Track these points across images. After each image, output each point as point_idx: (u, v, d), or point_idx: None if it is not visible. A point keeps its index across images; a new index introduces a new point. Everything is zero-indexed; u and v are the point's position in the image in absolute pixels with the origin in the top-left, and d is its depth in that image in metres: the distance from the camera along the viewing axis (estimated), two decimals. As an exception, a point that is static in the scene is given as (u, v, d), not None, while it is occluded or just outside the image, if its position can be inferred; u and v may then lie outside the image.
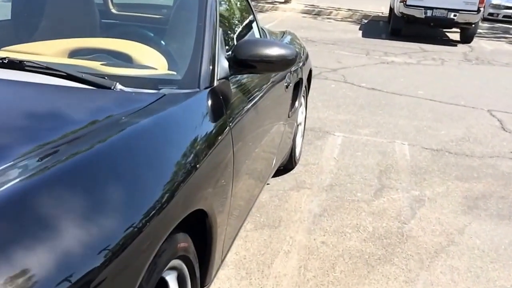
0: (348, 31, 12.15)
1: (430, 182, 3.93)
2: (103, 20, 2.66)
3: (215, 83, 1.99)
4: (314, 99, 6.04)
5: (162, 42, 2.28)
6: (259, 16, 13.95)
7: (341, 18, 14.95)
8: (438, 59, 9.41)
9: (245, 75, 2.32)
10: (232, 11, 2.79)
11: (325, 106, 5.83)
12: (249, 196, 2.41)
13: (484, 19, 15.22)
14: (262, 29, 3.50)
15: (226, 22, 2.55)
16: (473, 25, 11.32)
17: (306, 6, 16.41)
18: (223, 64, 2.11)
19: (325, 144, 4.62)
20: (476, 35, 11.96)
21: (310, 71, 4.14)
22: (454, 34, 12.64)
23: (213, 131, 1.79)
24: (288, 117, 3.28)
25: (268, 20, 13.11)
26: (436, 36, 12.50)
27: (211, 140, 1.75)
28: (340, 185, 3.79)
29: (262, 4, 16.16)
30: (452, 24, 11.51)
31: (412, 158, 4.42)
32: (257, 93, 2.49)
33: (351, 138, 4.83)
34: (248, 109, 2.27)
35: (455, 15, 11.07)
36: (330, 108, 5.74)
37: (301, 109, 3.99)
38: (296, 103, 3.50)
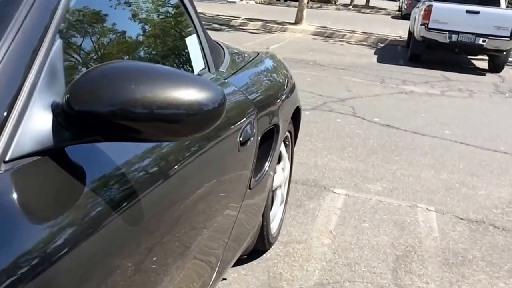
0: (361, 55, 10.89)
1: (472, 282, 2.60)
2: None
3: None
4: (313, 138, 4.75)
5: None
6: (266, 36, 12.82)
7: (355, 42, 13.72)
8: (465, 90, 8.10)
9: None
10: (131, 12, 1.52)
11: (326, 147, 4.53)
12: None
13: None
14: (220, 46, 2.27)
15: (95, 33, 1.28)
16: (505, 53, 10.00)
17: (317, 28, 15.22)
18: (36, 125, 0.89)
19: (319, 208, 3.31)
20: (507, 63, 10.64)
21: (298, 110, 2.87)
22: (480, 62, 11.32)
23: None
24: (249, 188, 2.01)
25: (275, 41, 11.93)
26: (460, 63, 11.19)
27: None
28: (335, 284, 2.47)
29: (271, 25, 15.01)
30: (480, 50, 10.20)
31: (442, 234, 3.09)
32: (165, 162, 1.26)
33: (357, 198, 3.52)
34: (140, 196, 1.05)
35: (484, 41, 9.77)
36: (332, 151, 4.44)
37: (282, 166, 2.71)
38: (266, 164, 2.21)
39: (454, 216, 3.37)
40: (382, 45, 13.21)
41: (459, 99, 7.40)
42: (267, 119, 2.16)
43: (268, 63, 2.74)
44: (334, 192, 3.58)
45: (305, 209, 3.28)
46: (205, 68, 1.88)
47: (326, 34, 14.44)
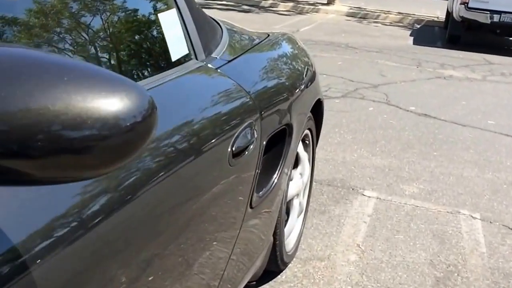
0: (397, 37, 10.30)
1: (529, 314, 2.17)
2: None
3: None
4: (342, 129, 4.32)
5: None
6: (296, 18, 12.32)
7: (390, 23, 13.09)
8: (509, 74, 7.49)
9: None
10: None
11: (357, 141, 4.10)
12: None
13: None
14: (218, 25, 1.88)
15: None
16: (551, 34, 9.31)
17: (351, 9, 14.60)
18: None
19: (346, 215, 2.90)
20: (554, 45, 9.92)
21: (320, 103, 2.45)
22: (524, 44, 10.62)
23: None
24: (251, 207, 1.61)
25: (306, 23, 11.42)
26: (502, 45, 10.50)
27: None
28: (362, 315, 2.08)
29: (303, 6, 14.46)
30: (524, 31, 9.52)
31: (490, 250, 2.65)
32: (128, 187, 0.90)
33: (389, 202, 3.09)
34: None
35: (529, 21, 9.09)
36: (362, 145, 4.01)
37: (299, 171, 2.31)
38: (275, 174, 1.81)
39: (503, 225, 2.92)
40: (418, 26, 12.55)
41: (503, 84, 6.83)
42: (276, 118, 1.76)
43: (284, 47, 2.32)
44: (364, 195, 3.16)
45: (330, 216, 2.88)
46: (189, 53, 1.48)
47: (359, 15, 13.83)
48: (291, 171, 2.07)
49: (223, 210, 1.41)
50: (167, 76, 1.30)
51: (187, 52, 1.48)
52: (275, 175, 1.79)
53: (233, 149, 1.38)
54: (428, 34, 11.23)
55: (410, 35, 10.85)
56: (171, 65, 1.38)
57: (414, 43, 9.68)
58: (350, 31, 10.52)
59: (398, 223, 2.85)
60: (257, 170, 1.61)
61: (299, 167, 2.29)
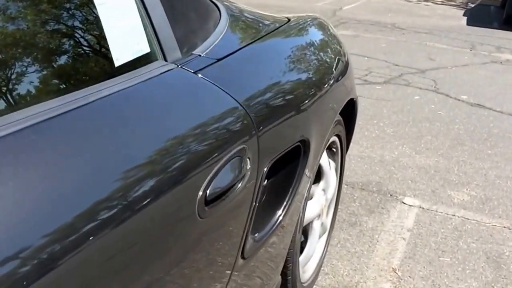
0: (448, 17, 9.58)
1: None
2: None
3: None
4: (382, 121, 3.82)
5: None
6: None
7: (442, 1, 12.29)
8: None
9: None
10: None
11: (398, 135, 3.60)
12: None
13: None
14: (215, 7, 1.45)
15: None
16: None
17: (399, -14, 13.82)
18: None
19: (381, 229, 2.44)
20: None
21: (353, 103, 1.99)
22: None
23: None
24: (243, 258, 1.18)
25: (350, 0, 10.79)
26: None
27: None
28: None
29: (348, -17, 13.77)
30: None
31: (558, 281, 2.15)
32: None
33: (434, 213, 2.61)
34: None
35: None
36: (405, 141, 3.51)
37: (322, 186, 1.87)
38: (282, 208, 1.36)
39: None
40: (472, 5, 11.72)
41: None
42: (285, 135, 1.31)
43: (310, 34, 1.84)
44: (404, 203, 2.69)
45: (361, 229, 2.42)
46: (151, 53, 1.06)
47: (408, -7, 13.06)
48: (309, 191, 1.62)
49: (198, 269, 0.99)
50: (103, 88, 0.89)
51: (147, 50, 1.06)
52: (281, 208, 1.35)
53: (207, 192, 0.95)
54: (483, 13, 10.43)
55: (463, 15, 10.09)
56: (116, 71, 0.97)
57: (467, 24, 8.95)
58: (397, 10, 9.86)
59: (444, 241, 2.37)
60: (252, 209, 1.18)
61: (322, 182, 1.85)
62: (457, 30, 8.10)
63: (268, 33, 1.53)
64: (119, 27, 1.02)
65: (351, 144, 3.39)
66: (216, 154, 1.00)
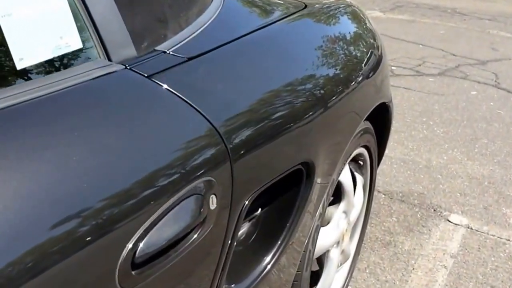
0: (516, 3, 8.88)
1: None
2: None
3: None
4: (432, 119, 3.42)
5: None
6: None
7: (509, -15, 11.47)
8: None
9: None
10: None
11: (449, 137, 3.19)
12: None
13: None
14: None
15: None
16: None
17: (464, -32, 13.01)
18: None
19: (419, 252, 2.08)
20: None
21: (385, 108, 1.64)
22: None
23: None
24: None
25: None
26: None
27: None
28: None
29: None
30: None
31: None
32: None
33: (485, 236, 2.23)
34: None
35: None
36: (456, 144, 3.10)
37: (343, 208, 1.53)
38: (271, 255, 1.04)
39: None
40: (543, -9, 10.88)
41: None
42: (279, 157, 0.99)
43: (340, 23, 1.50)
44: (449, 221, 2.31)
45: (396, 252, 2.07)
46: (85, 48, 0.77)
47: (473, -24, 12.27)
48: (321, 217, 1.30)
49: None
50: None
51: (78, 46, 0.76)
52: (273, 249, 1.03)
53: (137, 251, 0.65)
54: (554, 0, 9.63)
55: (533, 0, 9.34)
56: (21, 76, 0.68)
57: (537, 11, 8.25)
58: (460, -6, 9.21)
59: (494, 272, 2.00)
60: (223, 259, 0.87)
61: (343, 203, 1.51)
62: (525, 18, 7.45)
63: (273, 22, 1.20)
64: (29, 13, 0.71)
65: (395, 145, 3.03)
66: (160, 193, 0.69)
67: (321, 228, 1.39)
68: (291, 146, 1.01)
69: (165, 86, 0.80)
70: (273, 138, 0.94)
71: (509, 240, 2.21)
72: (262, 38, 1.11)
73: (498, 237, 2.23)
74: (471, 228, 2.27)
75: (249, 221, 1.06)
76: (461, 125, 3.38)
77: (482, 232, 2.24)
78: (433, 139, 3.15)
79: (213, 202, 0.78)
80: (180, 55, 0.88)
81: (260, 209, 1.07)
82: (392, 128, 3.31)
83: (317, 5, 1.44)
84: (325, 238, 1.44)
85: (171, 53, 0.87)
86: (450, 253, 2.09)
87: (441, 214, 2.36)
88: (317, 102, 1.11)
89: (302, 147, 1.05)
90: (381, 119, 1.66)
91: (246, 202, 0.90)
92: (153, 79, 0.80)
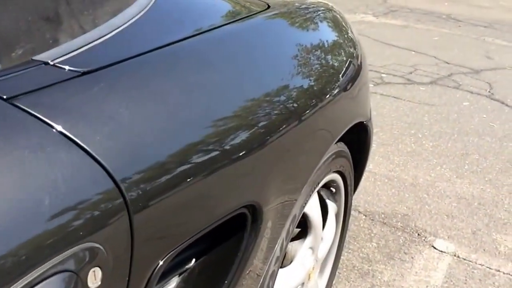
0: (512, 10, 8.72)
1: None
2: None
3: None
4: (421, 131, 3.22)
5: None
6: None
7: (506, -8, 11.32)
8: None
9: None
10: None
11: (438, 151, 3.00)
12: None
13: None
14: None
15: None
16: None
17: (461, -27, 12.87)
18: None
19: (400, 284, 1.88)
20: None
21: (364, 128, 1.44)
22: None
23: None
24: None
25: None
26: None
27: None
28: None
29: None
30: None
31: None
32: None
33: (473, 265, 2.03)
34: None
35: None
36: (445, 159, 2.91)
37: (309, 244, 1.33)
38: None
39: None
40: (540, -2, 10.73)
41: None
42: (207, 204, 0.78)
43: (317, 26, 1.31)
44: (434, 248, 2.12)
45: (374, 283, 1.87)
46: None
47: (470, -18, 12.12)
48: (278, 261, 1.09)
49: None
50: None
51: None
52: None
53: None
54: (551, 8, 9.48)
55: (530, 8, 9.19)
56: None
57: (533, 18, 8.09)
58: (455, 0, 9.04)
59: (481, 310, 1.80)
60: None
61: (309, 238, 1.31)
62: (521, 25, 7.28)
63: (222, 25, 0.99)
64: None
65: (380, 160, 2.83)
66: (9, 274, 0.49)
67: (281, 270, 1.19)
68: (227, 187, 0.81)
69: (35, 112, 0.59)
70: (199, 180, 0.73)
71: (499, 270, 2.02)
72: (201, 45, 0.91)
73: (487, 267, 2.03)
74: (458, 256, 2.07)
75: (179, 275, 0.86)
76: (451, 139, 3.19)
77: (470, 261, 2.05)
78: (421, 153, 2.96)
79: (96, 278, 0.58)
80: (71, 68, 0.67)
81: (194, 260, 0.87)
82: (379, 141, 3.14)
83: (290, 6, 1.24)
84: (287, 280, 1.24)
85: (56, 64, 0.67)
86: (433, 285, 1.90)
87: (426, 239, 2.16)
88: (269, 127, 0.91)
89: (243, 186, 0.84)
90: (358, 140, 1.46)
91: (161, 263, 0.70)
92: (17, 103, 0.59)
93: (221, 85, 0.86)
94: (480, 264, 2.04)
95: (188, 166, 0.72)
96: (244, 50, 0.99)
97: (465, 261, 2.05)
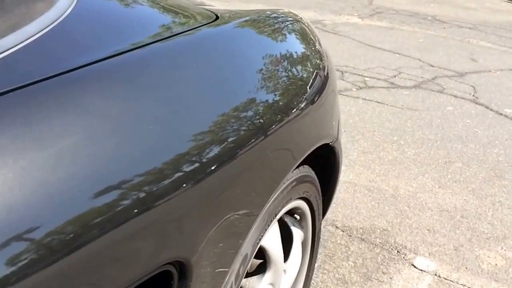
0: (497, 11, 8.66)
1: None
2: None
3: None
4: (403, 138, 3.12)
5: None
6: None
7: (492, -7, 11.30)
8: None
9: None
10: None
11: (420, 159, 2.89)
12: None
13: None
14: None
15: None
16: None
17: (447, -26, 12.82)
18: None
19: (376, 308, 1.77)
20: None
21: (331, 150, 1.32)
22: None
23: None
24: None
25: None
26: None
27: None
28: None
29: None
30: None
31: None
32: None
33: (454, 286, 1.92)
34: None
35: None
36: (427, 167, 2.80)
37: (270, 280, 1.20)
38: None
39: None
40: (526, -1, 10.71)
41: None
42: (122, 263, 0.65)
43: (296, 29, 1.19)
44: (414, 267, 2.00)
45: (349, 307, 1.76)
46: None
47: (456, -18, 12.08)
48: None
49: None
50: None
51: None
52: None
53: None
54: (537, 9, 9.45)
55: (515, 9, 9.15)
56: None
57: (518, 20, 8.05)
58: (440, 1, 8.98)
59: (462, 336, 1.69)
60: None
61: (269, 274, 1.18)
62: (506, 27, 7.22)
63: (158, 40, 0.86)
64: None
65: (360, 169, 2.72)
66: None
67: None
68: (142, 241, 0.67)
69: None
70: (106, 232, 0.60)
71: (481, 290, 1.91)
72: (130, 64, 0.77)
73: (469, 282, 1.92)
74: (439, 276, 1.96)
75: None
76: (434, 146, 3.08)
77: (451, 281, 1.94)
78: (403, 162, 2.85)
79: None
80: None
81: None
82: (360, 149, 3.02)
83: (224, 16, 1.11)
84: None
85: None
86: (412, 308, 1.78)
87: (405, 256, 2.05)
88: (207, 162, 0.78)
89: (166, 239, 0.71)
90: (325, 163, 1.34)
91: None
92: None
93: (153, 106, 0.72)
94: (462, 285, 1.93)
95: (93, 212, 0.59)
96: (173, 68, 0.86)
97: (446, 280, 1.94)
